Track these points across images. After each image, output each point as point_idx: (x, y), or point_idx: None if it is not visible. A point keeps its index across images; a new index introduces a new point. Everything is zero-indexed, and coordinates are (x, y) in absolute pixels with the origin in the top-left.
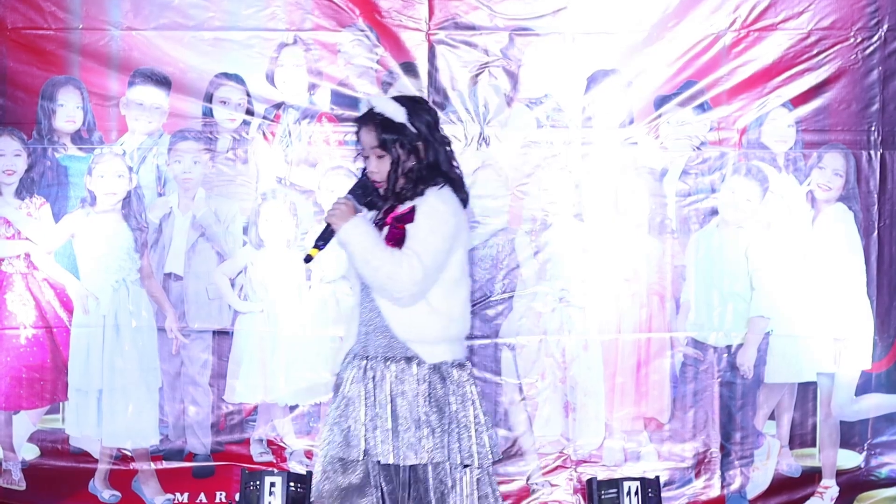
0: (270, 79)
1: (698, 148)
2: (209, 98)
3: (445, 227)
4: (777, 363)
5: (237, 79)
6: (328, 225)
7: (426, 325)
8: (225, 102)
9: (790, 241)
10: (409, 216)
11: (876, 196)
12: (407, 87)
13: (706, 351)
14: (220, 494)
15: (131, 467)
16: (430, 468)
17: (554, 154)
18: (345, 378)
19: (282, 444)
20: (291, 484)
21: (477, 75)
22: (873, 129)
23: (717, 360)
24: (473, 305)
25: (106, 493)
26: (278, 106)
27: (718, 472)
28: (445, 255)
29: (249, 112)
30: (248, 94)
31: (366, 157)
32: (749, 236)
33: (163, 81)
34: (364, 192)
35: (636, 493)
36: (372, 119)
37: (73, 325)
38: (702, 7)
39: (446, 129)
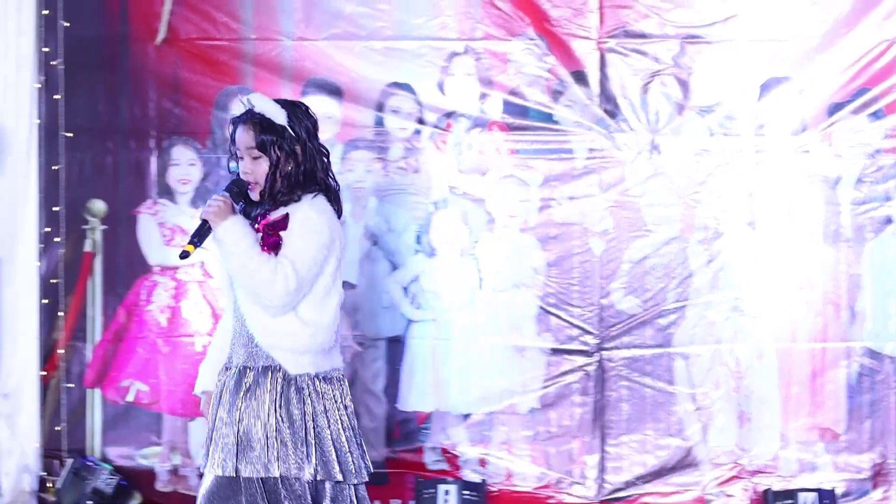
0: (441, 88)
1: (872, 156)
2: (381, 107)
3: (320, 236)
4: None
5: (408, 88)
6: (204, 222)
7: (292, 334)
8: (396, 112)
9: None
10: (283, 223)
11: None
12: (578, 95)
13: (882, 361)
14: (395, 502)
15: None
16: (282, 482)
17: (726, 162)
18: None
19: (455, 453)
20: (465, 492)
21: (648, 83)
22: None
23: (893, 371)
24: (645, 314)
25: None
26: (449, 115)
27: None
28: (320, 265)
29: (421, 121)
30: (420, 104)
31: (239, 158)
32: None
33: (335, 91)
34: (239, 193)
35: None
36: (251, 118)
37: None
38: (874, 13)
39: (617, 137)
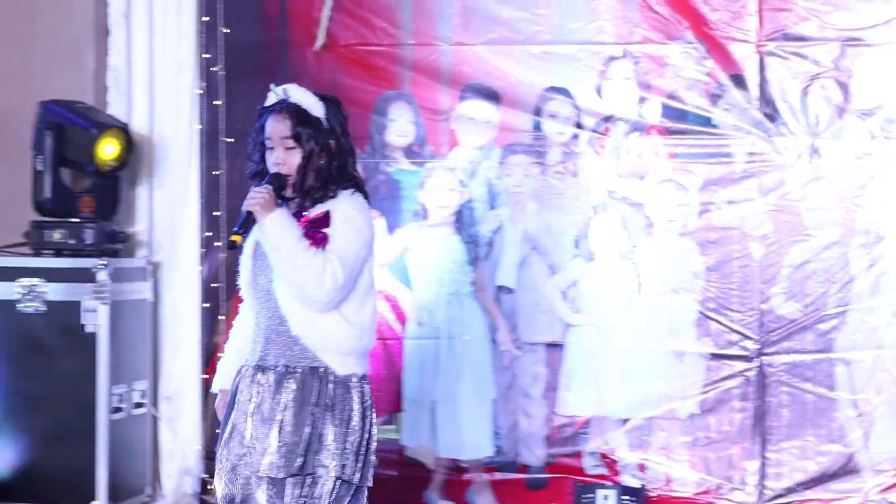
0: (599, 92)
1: None
2: (538, 112)
3: (362, 234)
4: None
5: (566, 92)
6: (249, 213)
7: (340, 336)
8: (554, 116)
9: None
10: (325, 220)
11: None
12: (736, 99)
13: None
14: None
15: (465, 478)
16: (334, 484)
17: (887, 166)
18: (239, 394)
19: (614, 457)
20: (624, 497)
21: (807, 87)
22: None
23: None
24: (805, 319)
25: None
26: (607, 119)
27: None
28: (362, 263)
29: (578, 125)
30: (577, 108)
31: (269, 149)
32: None
33: (493, 96)
34: (279, 186)
35: None
36: (286, 108)
37: (408, 337)
38: None
39: (777, 141)
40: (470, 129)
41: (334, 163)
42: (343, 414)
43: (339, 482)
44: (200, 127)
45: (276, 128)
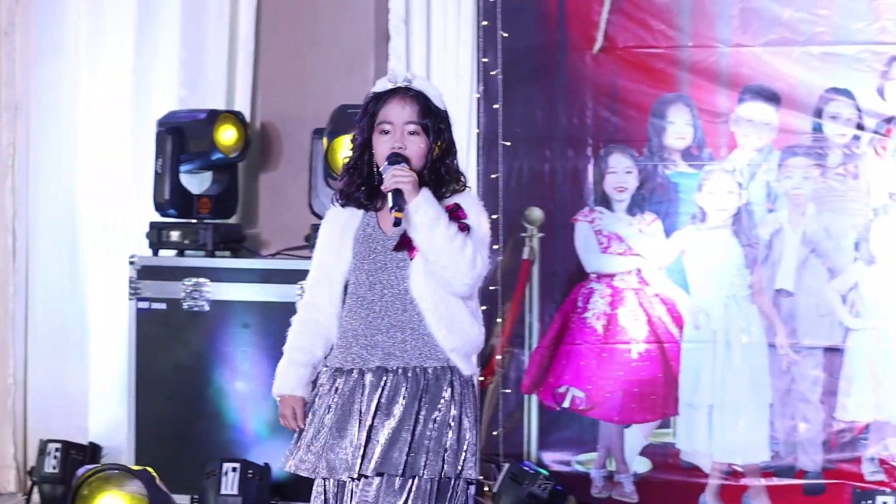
0: (881, 93)
1: None
2: (818, 113)
3: (487, 231)
4: None
5: (847, 93)
6: (399, 191)
7: (471, 333)
8: (835, 118)
9: None
10: (460, 213)
11: None
12: None
13: None
14: None
15: (741, 483)
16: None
17: None
18: (340, 397)
19: (894, 464)
20: None
21: None
22: None
23: None
24: None
25: None
26: (889, 120)
27: None
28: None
29: (860, 127)
30: (859, 109)
31: (384, 132)
32: None
33: (772, 97)
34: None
35: None
36: (411, 93)
37: (684, 341)
38: None
39: None
40: (749, 131)
41: (452, 156)
42: (470, 413)
43: (464, 482)
44: (478, 131)
45: (400, 112)
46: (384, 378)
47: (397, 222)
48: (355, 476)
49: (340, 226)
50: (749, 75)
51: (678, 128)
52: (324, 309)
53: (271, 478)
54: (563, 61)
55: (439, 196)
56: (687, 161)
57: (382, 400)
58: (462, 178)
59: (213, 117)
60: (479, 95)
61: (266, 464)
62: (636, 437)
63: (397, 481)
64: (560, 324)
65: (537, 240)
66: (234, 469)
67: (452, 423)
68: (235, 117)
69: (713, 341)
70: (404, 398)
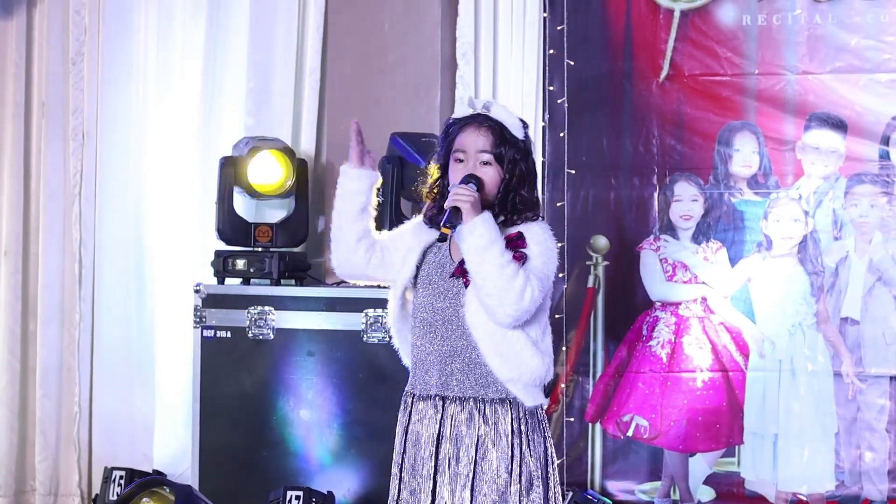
0: None
1: None
2: (886, 141)
3: (553, 263)
4: None
5: None
6: (457, 209)
7: (531, 364)
8: None
9: None
10: (521, 242)
11: None
12: None
13: None
14: None
15: None
16: None
17: None
18: (412, 425)
19: None
20: None
21: None
22: None
23: None
24: None
25: None
26: None
27: None
28: (549, 290)
29: None
30: None
31: (458, 161)
32: None
33: (839, 125)
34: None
35: None
36: (488, 122)
37: (749, 369)
38: None
39: None
40: (815, 158)
41: (527, 186)
42: (536, 448)
43: None
44: (544, 159)
45: (475, 141)
46: (441, 413)
47: (443, 237)
48: None
49: (420, 237)
50: (815, 103)
51: (744, 155)
52: (379, 238)
53: None
54: (629, 89)
55: (510, 223)
56: (753, 189)
57: (440, 455)
58: (538, 209)
59: (252, 152)
60: (544, 124)
61: (330, 492)
62: (700, 465)
63: None
64: (625, 352)
65: (602, 268)
66: (297, 497)
67: (514, 460)
68: (282, 153)
69: (778, 370)
70: (465, 444)
